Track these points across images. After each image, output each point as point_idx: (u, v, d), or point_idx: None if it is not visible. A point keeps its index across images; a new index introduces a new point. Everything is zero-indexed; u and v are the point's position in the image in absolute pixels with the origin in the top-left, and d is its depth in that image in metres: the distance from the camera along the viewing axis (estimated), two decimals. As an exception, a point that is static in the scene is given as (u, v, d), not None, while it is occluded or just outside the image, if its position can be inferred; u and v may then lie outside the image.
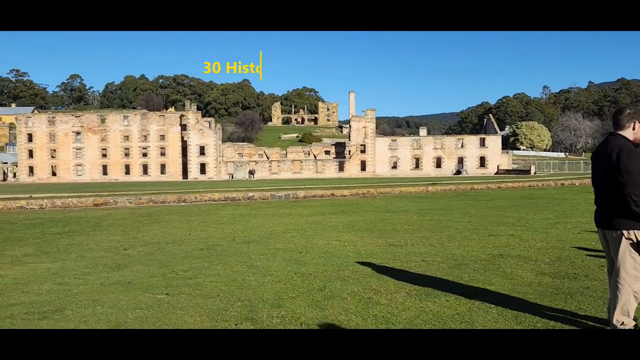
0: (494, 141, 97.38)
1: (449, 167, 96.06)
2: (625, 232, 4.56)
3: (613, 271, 4.79)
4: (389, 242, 11.38)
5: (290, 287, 7.31)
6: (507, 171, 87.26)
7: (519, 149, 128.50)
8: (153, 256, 10.40)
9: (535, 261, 8.74)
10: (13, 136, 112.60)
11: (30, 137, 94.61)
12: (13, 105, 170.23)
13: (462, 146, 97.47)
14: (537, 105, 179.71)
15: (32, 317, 5.94)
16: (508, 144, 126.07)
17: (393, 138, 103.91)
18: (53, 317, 5.93)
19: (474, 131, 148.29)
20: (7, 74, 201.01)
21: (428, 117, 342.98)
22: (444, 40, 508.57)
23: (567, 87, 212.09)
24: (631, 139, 4.62)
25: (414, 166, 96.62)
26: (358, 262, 9.02)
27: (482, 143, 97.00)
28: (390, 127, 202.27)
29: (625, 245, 4.58)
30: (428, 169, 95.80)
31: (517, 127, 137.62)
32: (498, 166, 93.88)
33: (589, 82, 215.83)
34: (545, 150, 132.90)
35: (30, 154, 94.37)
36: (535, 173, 74.03)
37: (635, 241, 4.55)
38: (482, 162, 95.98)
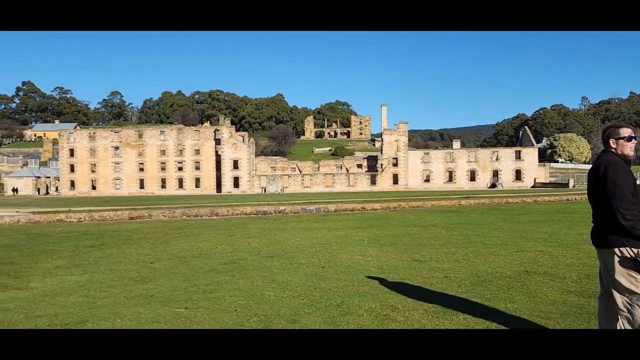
0: (530, 154, 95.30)
1: (483, 180, 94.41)
2: (616, 249, 4.41)
3: (603, 297, 4.63)
4: (413, 258, 11.24)
5: (308, 302, 7.30)
6: (544, 184, 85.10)
7: (557, 162, 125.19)
8: (178, 270, 10.57)
9: (562, 279, 8.47)
10: (56, 151, 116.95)
11: (72, 152, 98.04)
12: (57, 121, 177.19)
13: (497, 159, 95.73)
14: (576, 116, 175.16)
15: (53, 328, 6.11)
16: (545, 157, 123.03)
17: (426, 151, 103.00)
18: (73, 328, 6.08)
19: (510, 143, 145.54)
20: (52, 91, 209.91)
21: (462, 130, 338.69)
22: (479, 51, 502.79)
23: (608, 97, 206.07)
24: (618, 154, 4.55)
25: (447, 179, 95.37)
26: (379, 278, 8.93)
27: (518, 156, 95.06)
28: (423, 140, 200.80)
29: (616, 263, 4.42)
30: (462, 182, 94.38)
31: (554, 139, 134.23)
32: (535, 179, 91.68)
33: (630, 92, 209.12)
34: (584, 162, 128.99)
35: (72, 168, 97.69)
36: (573, 186, 71.92)
37: (628, 257, 4.37)
38: (518, 175, 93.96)
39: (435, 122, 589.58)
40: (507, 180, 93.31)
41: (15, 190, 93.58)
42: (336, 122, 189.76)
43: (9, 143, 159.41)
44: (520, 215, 23.89)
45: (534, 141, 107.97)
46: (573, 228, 16.88)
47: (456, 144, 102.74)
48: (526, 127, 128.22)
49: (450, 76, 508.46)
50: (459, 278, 8.77)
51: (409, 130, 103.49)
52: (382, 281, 8.65)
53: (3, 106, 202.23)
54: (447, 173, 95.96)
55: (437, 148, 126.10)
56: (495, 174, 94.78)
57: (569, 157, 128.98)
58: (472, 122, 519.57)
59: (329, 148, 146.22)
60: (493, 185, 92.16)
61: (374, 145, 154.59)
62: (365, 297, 7.49)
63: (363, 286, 8.30)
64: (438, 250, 12.24)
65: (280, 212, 32.75)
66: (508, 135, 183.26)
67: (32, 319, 6.59)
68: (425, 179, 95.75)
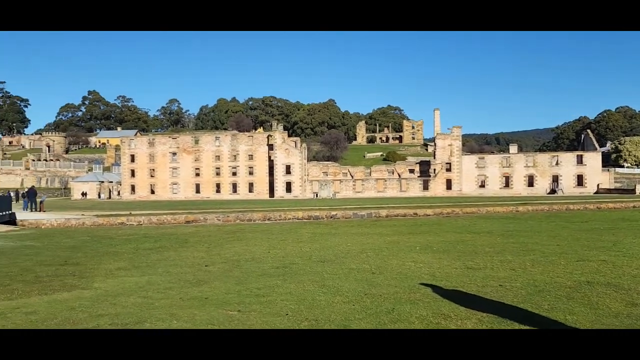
0: (593, 158, 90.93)
1: (542, 186, 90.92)
2: None
3: None
4: (467, 265, 10.98)
5: (359, 308, 7.28)
6: (609, 190, 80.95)
7: (622, 167, 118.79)
8: (231, 273, 10.81)
9: (627, 290, 8.03)
10: (118, 157, 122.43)
11: (132, 158, 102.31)
12: (119, 128, 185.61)
13: (557, 164, 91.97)
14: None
15: (114, 327, 6.40)
16: (609, 161, 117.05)
17: (481, 156, 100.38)
18: (133, 328, 6.35)
19: (571, 148, 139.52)
20: (115, 100, 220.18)
21: (520, 134, 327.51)
22: (537, 52, 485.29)
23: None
24: None
25: (504, 185, 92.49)
26: (431, 285, 8.79)
27: (580, 160, 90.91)
28: (478, 144, 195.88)
29: None
30: (519, 187, 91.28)
31: (619, 143, 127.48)
32: (598, 185, 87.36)
33: None
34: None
35: (132, 173, 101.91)
36: (641, 192, 67.98)
37: None
38: (580, 180, 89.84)
39: (491, 126, 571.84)
40: (567, 186, 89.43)
41: (84, 194, 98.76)
42: (388, 127, 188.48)
43: (75, 149, 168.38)
44: (581, 222, 22.85)
45: (597, 145, 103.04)
46: (639, 237, 15.98)
47: (513, 148, 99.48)
48: (589, 130, 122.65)
49: (507, 78, 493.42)
50: (515, 287, 8.50)
51: (463, 135, 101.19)
52: (434, 288, 8.51)
53: (70, 114, 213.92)
54: (504, 178, 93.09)
55: (492, 152, 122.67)
56: (555, 179, 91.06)
57: (635, 161, 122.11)
58: (530, 126, 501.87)
59: (381, 153, 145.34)
60: (553, 191, 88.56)
61: (426, 150, 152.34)
62: (417, 304, 7.39)
63: (414, 293, 8.19)
64: (493, 258, 11.90)
65: (331, 217, 32.84)
66: (569, 139, 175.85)
67: (94, 318, 6.93)
68: (480, 184, 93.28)
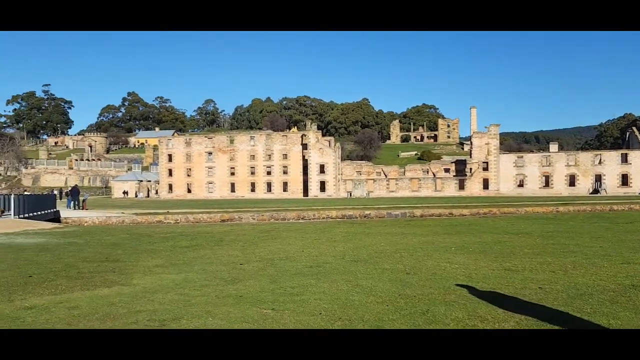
0: (639, 157, 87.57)
1: (584, 185, 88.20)
2: None
3: None
4: (505, 267, 10.74)
5: (393, 308, 7.22)
6: (656, 190, 77.79)
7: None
8: (266, 271, 10.89)
9: (676, 295, 7.68)
10: (156, 157, 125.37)
11: (170, 158, 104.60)
12: (157, 129, 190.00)
13: (599, 162, 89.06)
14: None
15: (152, 324, 6.55)
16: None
17: (519, 154, 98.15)
18: (170, 325, 6.48)
19: (615, 146, 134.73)
20: (153, 101, 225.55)
21: (560, 132, 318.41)
22: (578, 48, 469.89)
23: None
24: None
25: (543, 184, 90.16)
26: (467, 286, 8.63)
27: (625, 159, 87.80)
28: (516, 142, 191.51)
29: None
30: (559, 187, 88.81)
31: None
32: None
33: None
34: None
35: (170, 172, 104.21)
36: (690, 192, 65.08)
37: None
38: (625, 180, 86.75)
39: (530, 124, 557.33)
40: (611, 185, 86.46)
41: (126, 193, 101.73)
42: (423, 126, 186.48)
43: (115, 149, 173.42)
44: (626, 224, 22.03)
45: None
46: (689, 239, 15.28)
47: (553, 147, 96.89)
48: (634, 127, 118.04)
49: (547, 75, 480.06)
50: (556, 290, 8.25)
51: (500, 133, 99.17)
52: (471, 290, 8.35)
53: (111, 115, 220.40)
54: (543, 178, 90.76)
55: (531, 151, 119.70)
56: (598, 178, 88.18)
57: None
58: (570, 124, 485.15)
59: (415, 152, 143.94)
60: (595, 191, 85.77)
61: (462, 149, 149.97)
62: (452, 305, 7.26)
63: (450, 294, 8.06)
64: (532, 260, 11.60)
65: (365, 217, 32.72)
66: (613, 137, 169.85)
67: (133, 314, 7.10)
68: (518, 184, 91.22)
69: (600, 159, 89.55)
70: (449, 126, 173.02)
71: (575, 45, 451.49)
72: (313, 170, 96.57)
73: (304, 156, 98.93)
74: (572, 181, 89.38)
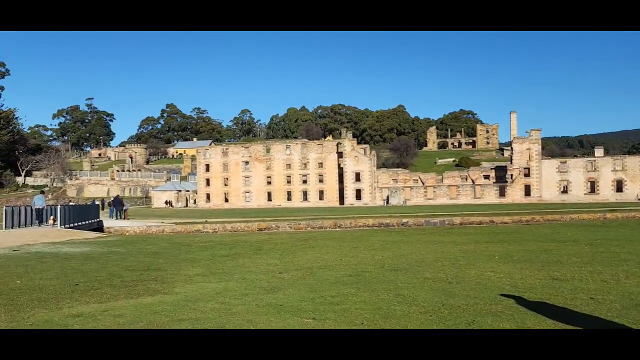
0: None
1: (632, 191, 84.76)
2: None
3: None
4: (552, 276, 10.35)
5: (436, 319, 7.03)
6: None
7: None
8: (305, 280, 10.83)
9: None
10: (194, 167, 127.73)
11: (207, 168, 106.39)
12: (195, 139, 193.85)
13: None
14: None
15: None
16: None
17: (562, 160, 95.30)
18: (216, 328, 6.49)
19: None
20: (190, 112, 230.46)
21: (605, 135, 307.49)
22: (620, 45, 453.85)
23: None
24: None
25: (589, 190, 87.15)
26: (513, 296, 8.33)
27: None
28: (559, 147, 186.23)
29: None
30: (606, 193, 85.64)
31: None
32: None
33: None
34: None
35: (207, 182, 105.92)
36: None
37: None
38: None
39: (573, 128, 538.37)
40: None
41: (169, 202, 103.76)
42: (460, 132, 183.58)
43: (155, 160, 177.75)
44: (680, 230, 20.98)
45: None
46: None
47: (598, 151, 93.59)
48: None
49: (589, 76, 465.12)
50: (608, 300, 7.87)
51: (542, 138, 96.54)
52: (518, 300, 8.06)
53: (150, 127, 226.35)
54: (588, 183, 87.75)
55: (575, 156, 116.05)
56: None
57: None
58: (616, 127, 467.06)
59: (453, 159, 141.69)
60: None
61: (502, 154, 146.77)
62: (499, 316, 7.02)
63: (496, 305, 7.80)
64: (581, 269, 11.14)
65: (403, 225, 32.33)
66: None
67: (176, 322, 7.15)
68: (561, 190, 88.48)
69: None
70: (487, 132, 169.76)
71: (618, 44, 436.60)
72: (349, 178, 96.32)
73: (339, 164, 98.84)
74: (619, 187, 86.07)
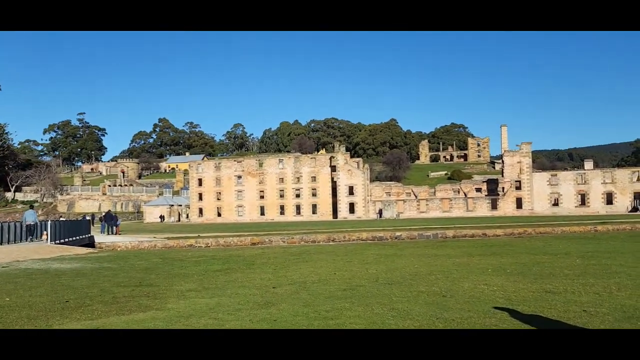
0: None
1: (622, 203, 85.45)
2: None
3: None
4: (545, 289, 10.37)
5: (431, 333, 7.01)
6: (699, 207, 74.75)
7: None
8: (299, 295, 10.78)
9: None
10: (187, 181, 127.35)
11: (200, 182, 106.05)
12: (187, 153, 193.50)
13: (638, 179, 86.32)
14: None
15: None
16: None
17: (553, 172, 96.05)
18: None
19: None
20: (183, 126, 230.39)
21: (595, 149, 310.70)
22: (609, 58, 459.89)
23: None
24: None
25: (579, 203, 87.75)
26: (507, 309, 8.34)
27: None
28: (549, 160, 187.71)
29: None
30: (596, 205, 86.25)
31: None
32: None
33: None
34: None
35: (200, 196, 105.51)
36: None
37: None
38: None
39: (563, 141, 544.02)
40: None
41: (162, 217, 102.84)
42: (452, 145, 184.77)
43: (147, 175, 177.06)
44: (670, 242, 21.14)
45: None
46: None
47: (588, 164, 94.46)
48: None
49: (578, 91, 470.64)
50: (601, 313, 7.90)
51: (532, 151, 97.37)
52: (511, 313, 8.06)
53: (142, 141, 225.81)
54: (579, 196, 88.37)
55: (566, 169, 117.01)
56: (637, 196, 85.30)
57: None
58: (605, 140, 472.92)
59: (445, 172, 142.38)
60: (635, 209, 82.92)
61: (493, 167, 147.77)
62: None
63: (490, 318, 7.80)
64: (573, 281, 11.18)
65: (396, 238, 32.31)
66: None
67: (168, 338, 7.08)
68: (552, 202, 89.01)
69: (639, 176, 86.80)
70: (479, 145, 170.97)
71: (607, 59, 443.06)
72: (342, 192, 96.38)
73: (332, 178, 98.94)
74: (609, 199, 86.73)
